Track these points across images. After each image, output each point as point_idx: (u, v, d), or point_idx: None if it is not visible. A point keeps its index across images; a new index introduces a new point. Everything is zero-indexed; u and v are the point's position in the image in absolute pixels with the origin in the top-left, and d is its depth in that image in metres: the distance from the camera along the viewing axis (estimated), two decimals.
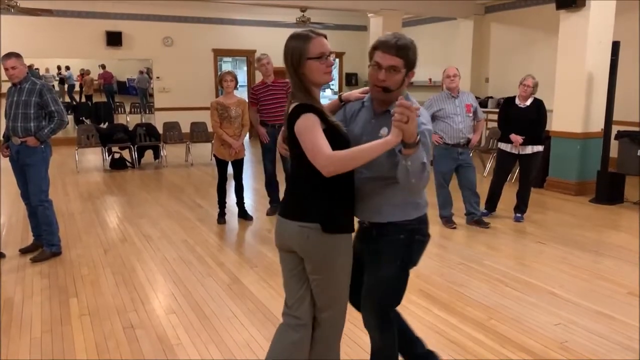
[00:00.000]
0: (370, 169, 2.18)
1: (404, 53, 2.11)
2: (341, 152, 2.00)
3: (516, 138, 5.61)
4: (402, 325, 2.61)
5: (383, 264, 2.33)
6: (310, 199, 2.19)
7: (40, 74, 13.15)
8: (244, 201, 6.04)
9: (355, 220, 2.33)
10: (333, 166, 1.99)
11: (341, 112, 2.38)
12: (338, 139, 2.10)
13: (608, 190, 6.75)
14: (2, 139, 4.69)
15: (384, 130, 2.17)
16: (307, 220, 2.17)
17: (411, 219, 2.30)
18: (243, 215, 6.03)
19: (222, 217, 5.86)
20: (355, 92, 2.41)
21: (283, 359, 2.30)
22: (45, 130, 4.47)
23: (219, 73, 11.98)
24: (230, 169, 5.84)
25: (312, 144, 2.02)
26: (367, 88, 2.33)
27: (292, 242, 2.23)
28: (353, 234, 2.31)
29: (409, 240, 2.33)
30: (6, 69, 4.40)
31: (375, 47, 2.16)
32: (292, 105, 2.14)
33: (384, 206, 2.27)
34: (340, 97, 2.42)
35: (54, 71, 13.94)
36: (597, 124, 7.15)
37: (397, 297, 2.42)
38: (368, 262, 2.37)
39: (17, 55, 4.45)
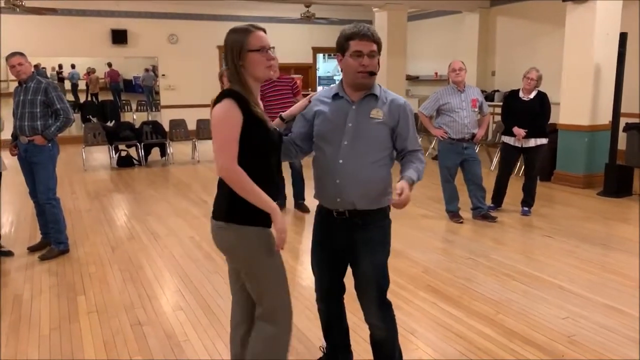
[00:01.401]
0: (361, 140, 2.31)
1: (378, 39, 2.29)
2: (242, 175, 2.04)
3: (519, 131, 5.58)
4: (343, 313, 2.68)
5: (377, 251, 2.40)
6: (220, 197, 2.22)
7: (48, 73, 13.23)
8: None
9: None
10: (227, 178, 2.07)
11: (301, 118, 2.49)
12: (256, 131, 2.10)
13: (616, 183, 6.70)
14: (10, 137, 4.72)
15: (375, 112, 2.33)
16: (218, 218, 2.19)
17: (389, 204, 2.41)
18: None
19: None
20: (296, 107, 2.50)
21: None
22: (52, 129, 4.49)
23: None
24: None
25: (222, 144, 2.05)
26: (306, 100, 2.47)
27: (214, 240, 2.26)
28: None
29: (389, 224, 2.48)
30: (13, 66, 4.43)
31: (350, 38, 2.27)
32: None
33: (381, 192, 2.36)
34: (281, 117, 2.47)
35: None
36: (605, 117, 7.09)
37: (388, 283, 2.51)
38: (360, 252, 2.41)
39: (21, 54, 4.48)
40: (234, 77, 2.14)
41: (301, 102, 2.50)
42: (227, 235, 2.18)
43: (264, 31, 2.17)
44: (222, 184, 2.17)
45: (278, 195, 2.36)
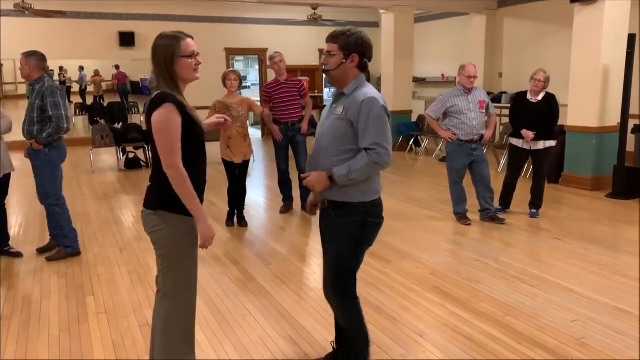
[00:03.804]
0: (327, 137, 2.50)
1: (336, 39, 2.46)
2: (185, 176, 2.27)
3: (527, 134, 5.56)
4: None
5: (338, 242, 2.55)
6: (151, 188, 2.43)
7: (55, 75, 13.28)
8: (244, 206, 5.82)
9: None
10: (173, 175, 2.26)
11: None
12: (193, 129, 2.34)
13: (625, 185, 6.67)
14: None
15: (339, 109, 2.49)
16: (148, 207, 2.41)
17: (366, 201, 2.51)
18: (239, 220, 5.77)
19: (230, 220, 5.82)
20: (211, 119, 2.72)
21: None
22: (43, 135, 4.39)
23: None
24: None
25: (170, 146, 2.26)
26: (219, 118, 2.70)
27: (143, 226, 2.46)
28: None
29: (363, 222, 2.52)
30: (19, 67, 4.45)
31: None
32: (155, 94, 2.31)
33: (341, 186, 2.46)
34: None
35: (70, 72, 14.07)
36: (613, 118, 7.05)
37: (351, 274, 2.60)
38: (326, 241, 2.63)
39: (26, 55, 4.40)
40: (166, 79, 2.31)
41: (214, 117, 2.70)
42: (153, 220, 2.37)
43: (192, 38, 2.37)
44: (154, 178, 2.41)
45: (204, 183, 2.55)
